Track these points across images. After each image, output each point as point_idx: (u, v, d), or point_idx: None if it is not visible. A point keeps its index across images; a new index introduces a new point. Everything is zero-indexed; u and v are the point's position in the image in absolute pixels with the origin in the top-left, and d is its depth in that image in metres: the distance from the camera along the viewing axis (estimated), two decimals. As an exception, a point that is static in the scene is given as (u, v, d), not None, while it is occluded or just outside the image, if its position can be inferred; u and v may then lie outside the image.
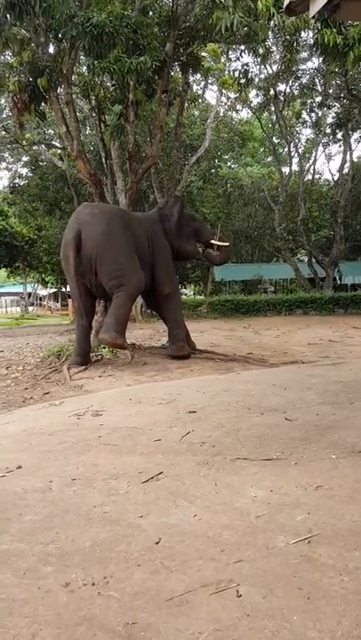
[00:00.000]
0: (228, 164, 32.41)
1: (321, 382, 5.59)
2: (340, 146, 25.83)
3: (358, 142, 26.55)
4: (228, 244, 10.36)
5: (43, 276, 42.35)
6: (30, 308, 43.06)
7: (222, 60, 16.75)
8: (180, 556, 2.08)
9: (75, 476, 3.01)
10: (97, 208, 8.66)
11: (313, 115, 23.77)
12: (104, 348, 9.17)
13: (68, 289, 9.95)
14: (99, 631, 1.64)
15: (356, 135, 25.47)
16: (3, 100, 19.35)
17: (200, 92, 20.98)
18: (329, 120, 23.93)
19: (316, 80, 21.77)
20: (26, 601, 1.82)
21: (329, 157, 43.00)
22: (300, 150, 26.69)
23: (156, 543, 2.18)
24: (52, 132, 22.03)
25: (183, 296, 32.41)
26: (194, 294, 36.76)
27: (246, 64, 12.61)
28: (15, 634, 1.65)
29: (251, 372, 7.37)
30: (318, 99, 22.62)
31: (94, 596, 1.83)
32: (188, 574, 1.94)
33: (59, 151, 21.30)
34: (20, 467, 3.22)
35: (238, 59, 12.18)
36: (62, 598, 1.83)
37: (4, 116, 20.84)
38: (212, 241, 9.81)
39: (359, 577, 1.87)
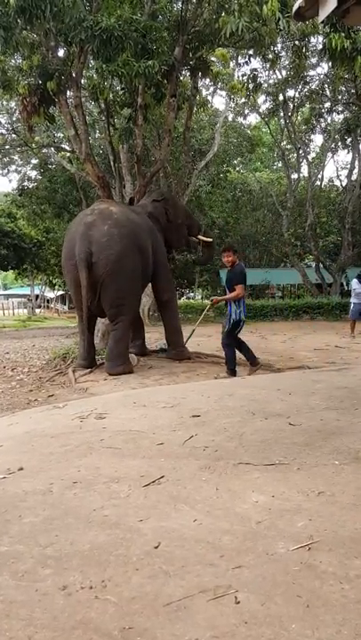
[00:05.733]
0: (237, 168, 32.43)
1: (326, 388, 5.55)
2: (348, 152, 25.83)
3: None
4: (211, 239, 10.49)
5: (50, 278, 42.54)
6: (37, 311, 43.17)
7: (231, 65, 16.80)
8: (179, 560, 2.06)
9: (76, 478, 3.00)
10: (115, 226, 7.87)
11: (322, 120, 23.76)
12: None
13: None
14: (95, 635, 1.62)
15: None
16: (13, 103, 19.48)
17: (209, 97, 21.07)
18: (338, 126, 23.92)
19: (326, 86, 21.77)
20: (23, 603, 1.81)
21: (337, 168, 42.93)
22: (309, 156, 26.67)
23: (156, 547, 2.17)
24: (61, 134, 22.18)
25: (191, 300, 32.44)
26: (202, 298, 36.76)
27: (255, 69, 12.56)
28: (11, 636, 1.64)
29: (256, 376, 7.34)
30: (327, 104, 22.62)
31: (91, 599, 1.82)
32: (187, 579, 1.92)
33: (68, 154, 21.40)
34: (21, 468, 3.21)
35: (247, 63, 12.17)
36: (59, 601, 1.81)
37: (14, 118, 20.99)
38: (199, 236, 9.93)
39: (360, 585, 1.85)
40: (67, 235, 8.52)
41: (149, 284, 9.45)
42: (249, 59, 11.77)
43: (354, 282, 13.92)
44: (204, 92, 19.42)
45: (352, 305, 13.82)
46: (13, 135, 22.21)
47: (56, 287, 46.46)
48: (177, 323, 9.41)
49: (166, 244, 9.43)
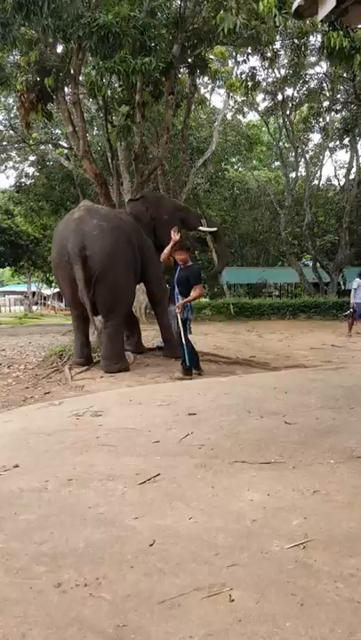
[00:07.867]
0: (236, 167, 32.38)
1: (322, 387, 5.56)
2: (346, 151, 25.82)
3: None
4: (216, 228, 9.87)
5: (47, 275, 42.38)
6: (34, 308, 43.07)
7: (230, 63, 16.77)
8: (173, 558, 2.06)
9: (71, 476, 2.99)
10: (104, 220, 7.93)
11: (320, 119, 23.75)
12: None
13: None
14: (89, 633, 1.62)
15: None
16: (10, 100, 19.42)
17: (207, 95, 21.04)
18: (336, 125, 23.90)
19: (325, 84, 21.74)
20: (17, 600, 1.81)
21: (335, 167, 42.93)
22: (307, 155, 26.65)
23: (151, 545, 2.17)
24: (59, 131, 22.09)
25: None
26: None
27: (254, 67, 12.55)
28: (5, 633, 1.64)
29: (252, 375, 7.34)
30: (326, 103, 22.60)
31: (86, 597, 1.82)
32: (181, 577, 1.92)
33: (65, 151, 21.33)
34: (16, 466, 3.21)
35: (246, 62, 12.16)
36: (54, 598, 1.81)
37: (12, 115, 20.92)
38: (201, 227, 9.60)
39: (354, 584, 1.85)
40: (55, 235, 8.43)
41: (141, 284, 9.40)
42: (248, 57, 11.77)
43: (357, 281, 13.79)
44: (202, 90, 19.40)
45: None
46: (11, 132, 22.11)
47: (53, 284, 46.31)
48: (169, 320, 9.38)
49: (159, 243, 9.23)
